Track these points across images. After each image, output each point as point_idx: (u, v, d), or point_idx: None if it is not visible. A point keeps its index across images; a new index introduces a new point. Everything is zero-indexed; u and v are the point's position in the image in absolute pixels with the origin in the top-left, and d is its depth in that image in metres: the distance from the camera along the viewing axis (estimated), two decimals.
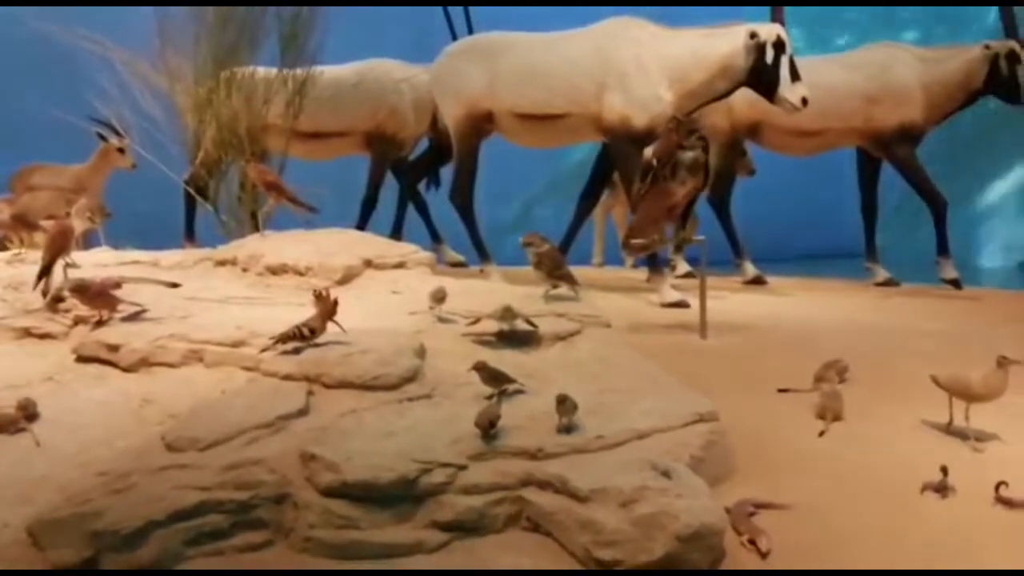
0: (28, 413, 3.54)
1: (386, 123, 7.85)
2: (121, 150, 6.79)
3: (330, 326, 3.90)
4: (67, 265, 4.59)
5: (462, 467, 3.08)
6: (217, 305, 4.52)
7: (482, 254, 7.04)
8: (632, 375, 3.94)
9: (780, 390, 4.38)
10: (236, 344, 3.97)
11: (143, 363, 3.96)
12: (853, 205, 8.12)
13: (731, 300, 6.77)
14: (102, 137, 6.83)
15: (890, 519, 3.18)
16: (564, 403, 3.32)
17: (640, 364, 4.11)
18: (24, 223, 5.75)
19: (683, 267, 7.73)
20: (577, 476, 3.01)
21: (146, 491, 2.91)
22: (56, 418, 3.57)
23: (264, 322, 4.06)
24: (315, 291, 4.03)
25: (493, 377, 3.61)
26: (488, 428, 3.22)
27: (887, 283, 7.82)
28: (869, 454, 3.68)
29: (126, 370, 3.96)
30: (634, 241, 5.34)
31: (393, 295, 4.78)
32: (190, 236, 7.61)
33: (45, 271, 4.50)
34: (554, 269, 4.80)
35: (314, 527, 2.91)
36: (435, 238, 8.09)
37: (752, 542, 2.98)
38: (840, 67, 7.69)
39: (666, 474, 3.03)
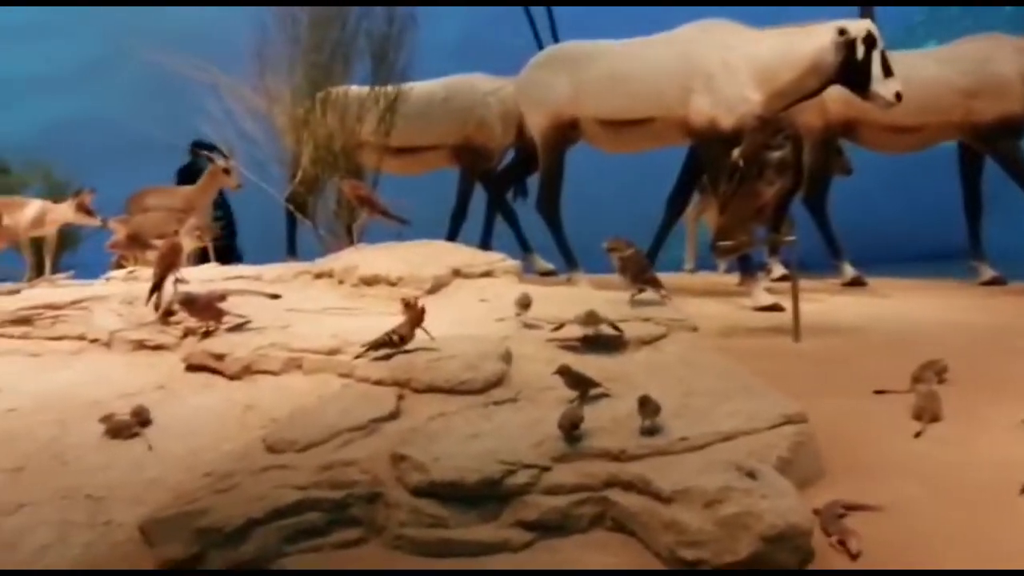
0: (142, 419, 3.75)
1: (474, 136, 7.99)
2: (227, 171, 7.09)
3: (419, 333, 4.02)
4: (177, 280, 4.88)
5: (546, 468, 3.12)
6: (315, 315, 4.70)
7: (569, 262, 7.09)
8: (718, 378, 3.90)
9: (876, 391, 4.28)
10: (332, 352, 4.12)
11: (246, 371, 4.15)
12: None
13: (828, 303, 6.63)
14: (210, 159, 7.18)
15: (986, 521, 3.07)
16: (646, 405, 3.32)
17: (727, 367, 4.07)
18: (137, 242, 6.09)
19: (778, 270, 7.60)
20: (660, 477, 3.02)
21: (248, 491, 3.06)
22: (167, 424, 3.78)
23: (358, 331, 4.20)
24: (404, 300, 4.17)
25: (577, 381, 3.64)
26: (571, 430, 3.25)
27: (993, 282, 7.51)
28: (966, 455, 3.56)
29: (231, 378, 4.16)
30: (722, 244, 5.30)
31: (480, 303, 4.86)
32: (292, 251, 7.92)
33: (156, 286, 4.76)
34: (639, 273, 4.75)
35: (405, 525, 3.01)
36: (525, 247, 8.15)
37: (842, 543, 2.92)
38: (936, 61, 7.46)
39: (751, 475, 3.00)
